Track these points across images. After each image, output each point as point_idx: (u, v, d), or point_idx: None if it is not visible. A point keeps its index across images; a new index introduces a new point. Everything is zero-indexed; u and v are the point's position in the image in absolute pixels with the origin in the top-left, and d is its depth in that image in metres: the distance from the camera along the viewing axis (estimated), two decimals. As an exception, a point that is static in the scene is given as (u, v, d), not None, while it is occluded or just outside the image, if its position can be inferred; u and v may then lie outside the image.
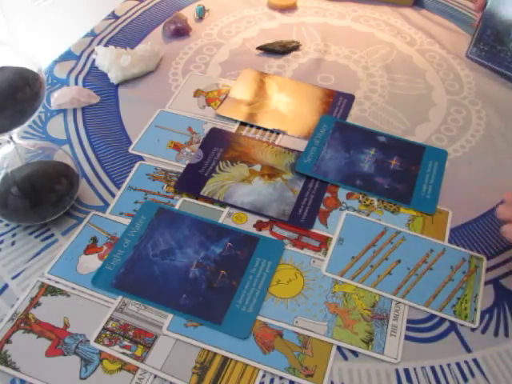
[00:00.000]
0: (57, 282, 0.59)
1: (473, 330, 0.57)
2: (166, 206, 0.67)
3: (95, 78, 0.87)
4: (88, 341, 0.55)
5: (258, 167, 0.73)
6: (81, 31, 0.98)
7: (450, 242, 0.65)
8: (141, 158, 0.74)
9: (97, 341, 0.54)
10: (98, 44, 0.94)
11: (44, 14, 1.48)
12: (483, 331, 0.57)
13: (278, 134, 0.78)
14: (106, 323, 0.56)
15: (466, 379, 0.53)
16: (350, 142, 0.76)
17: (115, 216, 0.66)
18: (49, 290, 0.59)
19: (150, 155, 0.74)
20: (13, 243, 0.63)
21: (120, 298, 0.58)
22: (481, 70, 0.91)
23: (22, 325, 0.56)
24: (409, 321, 0.57)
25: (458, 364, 0.54)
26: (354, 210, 0.68)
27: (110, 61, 0.86)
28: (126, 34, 0.97)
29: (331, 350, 0.55)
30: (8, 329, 0.55)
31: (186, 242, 0.63)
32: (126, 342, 0.54)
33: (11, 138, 0.60)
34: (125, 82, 0.86)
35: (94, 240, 0.63)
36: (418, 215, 0.68)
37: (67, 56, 0.91)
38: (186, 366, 0.53)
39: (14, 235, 0.64)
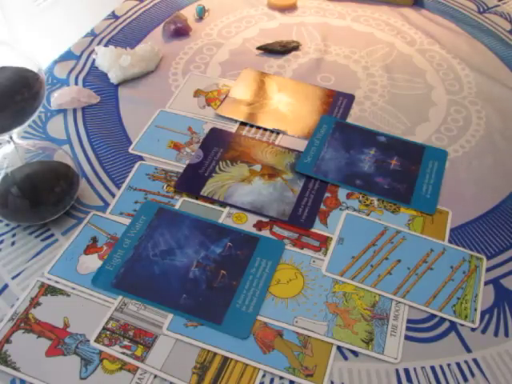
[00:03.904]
0: (57, 282, 0.59)
1: (473, 329, 0.57)
2: (166, 206, 0.67)
3: (95, 78, 0.87)
4: (88, 341, 0.55)
5: (257, 167, 0.73)
6: (81, 31, 0.98)
7: (450, 241, 0.65)
8: (141, 158, 0.74)
9: (97, 341, 0.54)
10: (98, 44, 0.94)
11: (44, 14, 1.48)
12: (483, 331, 0.57)
13: (278, 134, 0.78)
14: (106, 323, 0.56)
15: (466, 379, 0.53)
16: (350, 142, 0.76)
17: (115, 216, 0.66)
18: (49, 290, 0.59)
19: (150, 155, 0.74)
20: (13, 243, 0.63)
21: (120, 297, 0.58)
22: (481, 70, 0.91)
23: (22, 325, 0.56)
24: (409, 321, 0.57)
25: (458, 364, 0.54)
26: (354, 210, 0.68)
27: (110, 61, 0.86)
28: (126, 34, 0.97)
29: (331, 349, 0.55)
30: (8, 329, 0.55)
31: (186, 242, 0.63)
32: (126, 342, 0.54)
33: (11, 137, 0.60)
34: (125, 82, 0.86)
35: (94, 240, 0.63)
36: (418, 215, 0.68)
37: (67, 56, 0.91)
38: (186, 365, 0.53)
39: (13, 235, 0.64)
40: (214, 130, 0.78)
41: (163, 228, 0.64)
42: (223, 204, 0.68)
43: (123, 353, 0.54)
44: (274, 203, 0.68)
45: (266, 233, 0.65)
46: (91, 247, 0.63)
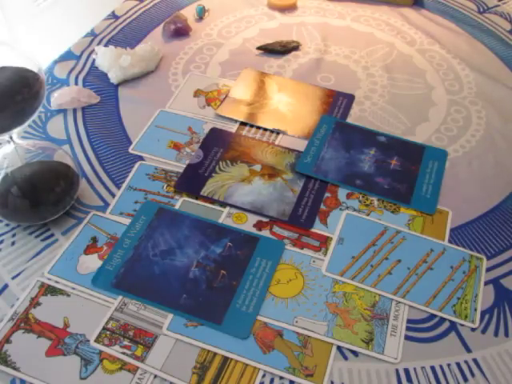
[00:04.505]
0: (57, 282, 0.59)
1: (473, 329, 0.57)
2: (166, 206, 0.67)
3: (95, 78, 0.87)
4: (88, 341, 0.55)
5: (257, 167, 0.73)
6: (81, 31, 0.98)
7: (450, 241, 0.65)
8: (141, 158, 0.74)
9: (97, 341, 0.54)
10: (98, 44, 0.94)
11: (44, 14, 1.48)
12: (483, 331, 0.57)
13: (278, 133, 0.78)
14: (106, 323, 0.56)
15: (466, 379, 0.53)
16: (350, 142, 0.76)
17: (115, 216, 0.66)
18: (49, 290, 0.59)
19: (150, 155, 0.74)
20: (13, 243, 0.63)
21: (120, 297, 0.58)
22: (481, 70, 0.91)
23: (22, 325, 0.56)
24: (409, 321, 0.57)
25: (458, 364, 0.54)
26: (354, 210, 0.68)
27: (110, 61, 0.86)
28: (126, 34, 0.97)
29: (331, 349, 0.55)
30: (8, 329, 0.55)
31: (186, 242, 0.63)
32: (126, 342, 0.54)
33: (11, 137, 0.60)
34: (125, 82, 0.86)
35: (94, 240, 0.63)
36: (418, 215, 0.68)
37: (67, 56, 0.91)
38: (186, 365, 0.53)
39: (13, 235, 0.64)
40: (213, 130, 0.78)
41: (163, 228, 0.64)
42: (223, 204, 0.68)
43: (123, 353, 0.54)
44: (273, 203, 0.68)
45: (266, 233, 0.65)
46: (91, 247, 0.63)
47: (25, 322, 0.56)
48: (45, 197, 0.62)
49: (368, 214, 0.67)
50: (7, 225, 0.65)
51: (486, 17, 1.05)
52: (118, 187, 0.70)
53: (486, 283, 0.61)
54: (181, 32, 0.96)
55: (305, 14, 1.04)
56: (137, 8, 1.04)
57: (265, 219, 0.67)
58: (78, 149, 0.75)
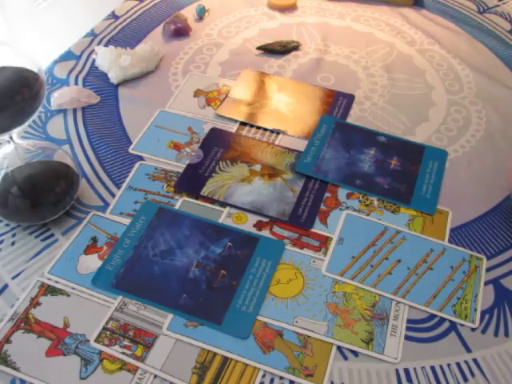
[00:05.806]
0: (57, 282, 0.59)
1: (473, 329, 0.57)
2: (166, 206, 0.67)
3: (95, 78, 0.87)
4: (88, 341, 0.55)
5: (257, 167, 0.73)
6: (81, 31, 0.98)
7: (450, 241, 0.65)
8: (141, 158, 0.74)
9: (97, 341, 0.54)
10: (98, 44, 0.94)
11: (44, 14, 1.48)
12: (483, 331, 0.57)
13: (278, 133, 0.78)
14: (106, 323, 0.56)
15: (466, 379, 0.53)
16: (350, 142, 0.76)
17: (115, 216, 0.66)
18: (49, 290, 0.59)
19: (150, 155, 0.74)
20: (13, 243, 0.63)
21: (120, 297, 0.58)
22: (481, 70, 0.91)
23: (22, 325, 0.56)
24: (409, 321, 0.57)
25: (458, 364, 0.54)
26: (354, 210, 0.68)
27: (110, 61, 0.86)
28: (126, 34, 0.97)
29: (331, 349, 0.55)
30: (8, 329, 0.55)
31: (186, 242, 0.63)
32: (126, 342, 0.54)
33: (11, 137, 0.60)
34: (125, 82, 0.86)
35: (94, 240, 0.63)
36: (418, 215, 0.68)
37: (67, 56, 0.91)
38: (186, 366, 0.53)
39: (13, 235, 0.64)
40: (213, 130, 0.78)
41: (163, 228, 0.64)
42: (223, 204, 0.68)
43: (123, 353, 0.54)
44: (273, 203, 0.68)
45: (266, 233, 0.65)
46: (91, 247, 0.63)
47: (25, 322, 0.56)
48: (45, 197, 0.62)
49: (368, 214, 0.67)
50: (7, 225, 0.65)
51: (486, 17, 1.05)
52: (118, 187, 0.70)
53: (486, 283, 0.61)
54: (181, 32, 0.96)
55: (305, 14, 1.04)
56: (137, 8, 1.04)
57: (265, 219, 0.67)
58: (78, 149, 0.75)
